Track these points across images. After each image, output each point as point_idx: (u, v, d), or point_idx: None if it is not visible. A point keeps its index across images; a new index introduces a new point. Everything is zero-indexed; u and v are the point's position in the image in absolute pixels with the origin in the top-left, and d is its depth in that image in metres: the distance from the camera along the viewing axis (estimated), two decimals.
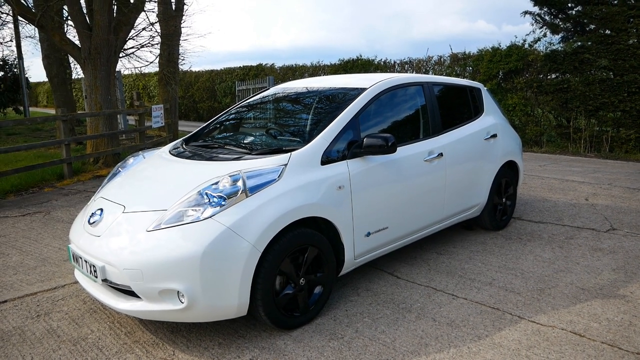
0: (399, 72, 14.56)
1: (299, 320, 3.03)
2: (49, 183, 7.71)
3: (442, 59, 13.53)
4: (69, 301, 3.53)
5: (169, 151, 3.72)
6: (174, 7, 11.71)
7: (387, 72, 14.87)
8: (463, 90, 4.60)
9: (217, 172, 2.99)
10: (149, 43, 10.08)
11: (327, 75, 10.30)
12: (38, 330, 3.12)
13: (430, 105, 4.05)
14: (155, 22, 10.29)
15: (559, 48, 10.97)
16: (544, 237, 4.69)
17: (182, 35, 11.89)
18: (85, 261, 2.91)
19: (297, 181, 2.99)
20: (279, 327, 2.96)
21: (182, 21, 11.77)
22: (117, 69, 12.60)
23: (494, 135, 4.63)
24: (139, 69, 12.15)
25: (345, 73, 14.65)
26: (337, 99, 3.70)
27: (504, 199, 4.90)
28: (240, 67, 20.51)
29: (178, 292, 2.64)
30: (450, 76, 13.93)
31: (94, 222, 3.02)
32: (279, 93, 4.29)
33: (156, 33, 10.60)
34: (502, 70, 11.68)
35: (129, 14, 8.74)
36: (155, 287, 2.64)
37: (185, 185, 2.95)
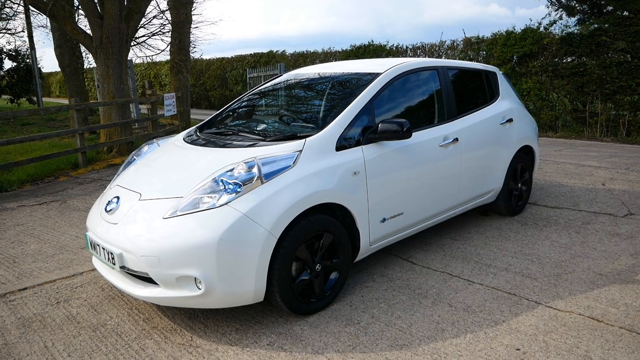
0: (412, 57, 14.41)
1: (315, 306, 3.04)
2: (64, 172, 7.79)
3: (455, 44, 13.34)
4: (87, 288, 3.58)
5: (183, 139, 3.73)
6: None
7: (399, 57, 14.72)
8: (478, 74, 4.54)
9: (232, 159, 2.99)
10: (159, 31, 10.07)
11: (339, 61, 10.21)
12: (58, 317, 3.17)
13: (445, 90, 4.00)
14: (166, 10, 10.27)
15: (575, 31, 10.75)
16: (560, 223, 4.64)
17: (193, 22, 11.84)
18: (103, 248, 2.94)
19: (312, 167, 2.98)
20: (296, 313, 2.97)
21: (192, 9, 11.72)
22: (129, 58, 12.66)
23: (510, 120, 4.57)
24: (151, 57, 12.14)
25: (356, 59, 14.54)
26: (351, 85, 3.66)
27: (519, 184, 4.85)
28: (251, 54, 20.46)
29: (195, 278, 2.66)
30: (464, 61, 13.80)
31: (110, 210, 3.04)
32: (291, 79, 4.26)
33: (167, 21, 10.58)
34: (516, 54, 11.49)
35: (140, 2, 8.72)
36: (172, 273, 2.66)
37: (200, 173, 2.96)
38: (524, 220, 4.75)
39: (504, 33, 11.82)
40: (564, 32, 10.93)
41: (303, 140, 3.07)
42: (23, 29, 20.23)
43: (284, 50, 19.04)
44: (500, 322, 2.90)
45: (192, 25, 11.65)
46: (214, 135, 3.67)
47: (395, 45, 14.93)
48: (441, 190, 3.86)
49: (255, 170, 2.82)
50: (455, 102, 4.05)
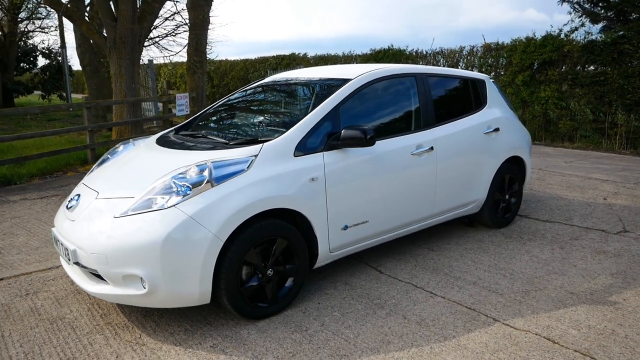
0: (431, 62, 14.23)
1: (266, 311, 3.04)
2: (73, 168, 8.03)
3: (474, 50, 13.11)
4: (59, 282, 3.68)
5: (156, 140, 3.79)
6: None
7: (418, 62, 14.57)
8: (463, 82, 4.44)
9: (189, 161, 3.02)
10: (173, 32, 10.26)
11: (359, 64, 10.17)
12: (22, 308, 3.27)
13: (423, 97, 3.94)
14: (177, 13, 10.46)
15: (598, 38, 10.40)
16: (546, 237, 4.49)
17: (210, 24, 12.02)
18: (62, 244, 3.02)
19: (267, 172, 2.98)
20: (245, 317, 2.98)
21: (210, 10, 11.90)
22: (150, 59, 12.95)
23: (497, 129, 4.46)
24: (169, 58, 12.37)
25: (375, 62, 14.45)
26: (320, 91, 3.65)
27: (507, 196, 4.72)
28: (273, 56, 20.59)
29: (141, 277, 2.70)
30: (482, 67, 13.53)
31: (71, 207, 3.12)
32: (268, 84, 4.28)
33: (181, 22, 10.77)
34: (536, 61, 11.21)
35: (153, 4, 8.92)
36: (118, 272, 2.71)
37: (157, 174, 3.00)
38: (510, 233, 4.62)
39: (524, 39, 11.55)
40: (586, 39, 10.59)
41: (260, 145, 3.08)
42: (56, 27, 20.93)
43: (305, 53, 19.10)
44: (450, 337, 2.83)
45: (209, 27, 11.82)
46: (186, 137, 3.72)
47: (415, 50, 14.77)
48: (413, 199, 3.79)
49: (206, 173, 2.84)
50: (433, 110, 3.98)
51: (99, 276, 2.88)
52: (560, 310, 3.13)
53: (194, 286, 2.73)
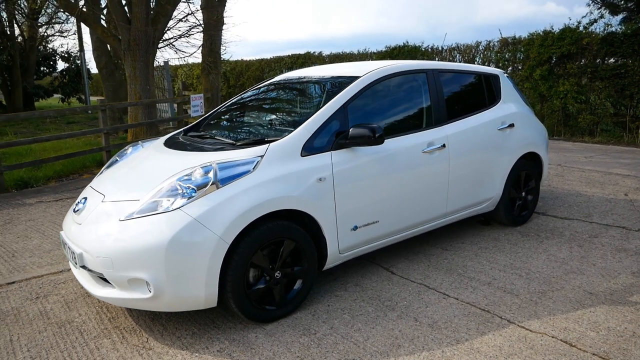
0: (446, 58, 14.03)
1: (273, 313, 2.99)
2: (89, 170, 8.10)
3: (491, 44, 12.88)
4: (69, 285, 3.69)
5: (164, 141, 3.77)
6: None
7: (434, 58, 14.38)
8: (476, 77, 4.33)
9: (195, 162, 2.99)
10: (187, 34, 10.29)
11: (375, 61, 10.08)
12: (32, 312, 3.28)
13: (434, 94, 3.84)
14: (190, 14, 10.52)
15: (618, 30, 10.11)
16: (565, 235, 4.35)
17: (224, 25, 12.04)
18: (69, 247, 3.01)
19: (273, 173, 2.93)
20: (252, 320, 2.93)
21: (224, 11, 11.91)
22: (165, 60, 13.03)
23: (511, 125, 4.33)
24: (184, 59, 12.42)
25: (391, 59, 14.32)
26: (329, 88, 3.58)
27: (523, 193, 4.59)
28: (289, 55, 20.56)
29: (146, 281, 2.68)
30: (499, 62, 13.28)
31: (77, 210, 3.11)
32: (276, 83, 4.23)
33: (195, 23, 10.81)
34: (554, 55, 10.95)
35: (166, 6, 8.96)
36: (124, 275, 2.69)
37: (163, 176, 2.97)
38: (526, 231, 4.50)
39: (542, 33, 11.29)
40: (606, 31, 10.30)
41: (267, 145, 3.03)
42: (74, 31, 21.26)
43: (320, 52, 19.03)
44: (463, 340, 2.74)
45: (224, 28, 11.84)
46: (194, 138, 3.68)
47: (430, 46, 14.58)
48: (425, 198, 3.70)
49: (211, 174, 2.80)
50: (445, 107, 3.89)
51: (105, 280, 2.86)
52: (578, 312, 3.01)
53: (200, 290, 2.70)
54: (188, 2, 12.71)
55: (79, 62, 20.44)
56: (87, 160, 8.36)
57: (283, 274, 2.99)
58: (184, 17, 10.06)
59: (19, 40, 19.34)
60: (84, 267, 2.89)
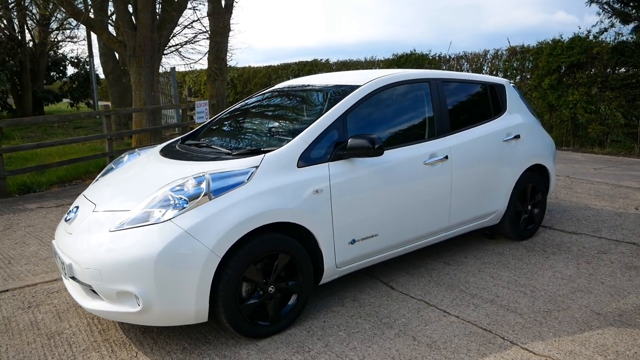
0: (454, 67, 13.93)
1: (267, 329, 2.89)
2: (92, 175, 8.07)
3: (498, 53, 12.76)
4: (62, 294, 3.62)
5: (160, 150, 3.71)
6: (223, 3, 11.87)
7: (442, 66, 14.28)
8: (481, 87, 4.23)
9: (189, 172, 2.91)
10: (193, 40, 10.29)
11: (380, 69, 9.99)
12: (23, 322, 3.21)
13: (437, 104, 3.75)
14: (196, 20, 10.50)
15: (629, 39, 9.96)
16: (572, 250, 4.22)
17: (231, 31, 12.04)
18: (59, 257, 2.95)
19: (268, 184, 2.84)
20: (244, 336, 2.84)
21: (230, 18, 11.92)
22: (172, 66, 13.05)
23: (517, 137, 4.22)
24: (190, 65, 12.44)
25: (397, 67, 14.23)
26: (329, 97, 3.50)
27: (529, 206, 4.47)
28: (296, 62, 20.56)
29: (135, 295, 2.59)
30: (507, 71, 13.15)
31: (69, 219, 3.05)
32: (278, 90, 4.15)
33: (201, 30, 10.82)
34: (564, 63, 10.81)
35: (172, 13, 8.96)
36: (112, 288, 2.61)
37: (156, 186, 2.89)
38: (532, 245, 4.37)
39: (550, 42, 11.16)
40: (616, 40, 10.16)
41: (262, 155, 2.94)
42: (84, 37, 21.43)
43: (327, 59, 19.00)
44: None
45: (230, 35, 11.84)
46: (190, 147, 3.62)
47: (437, 55, 14.49)
48: (426, 211, 3.60)
49: (204, 185, 2.72)
50: (448, 117, 3.79)
51: (95, 291, 2.78)
52: (585, 333, 2.89)
53: (190, 304, 2.61)
54: (194, 9, 12.73)
55: (88, 67, 20.58)
56: (90, 165, 8.34)
57: (277, 288, 2.90)
58: (189, 24, 10.05)
59: (29, 46, 19.51)
60: (73, 278, 2.82)
